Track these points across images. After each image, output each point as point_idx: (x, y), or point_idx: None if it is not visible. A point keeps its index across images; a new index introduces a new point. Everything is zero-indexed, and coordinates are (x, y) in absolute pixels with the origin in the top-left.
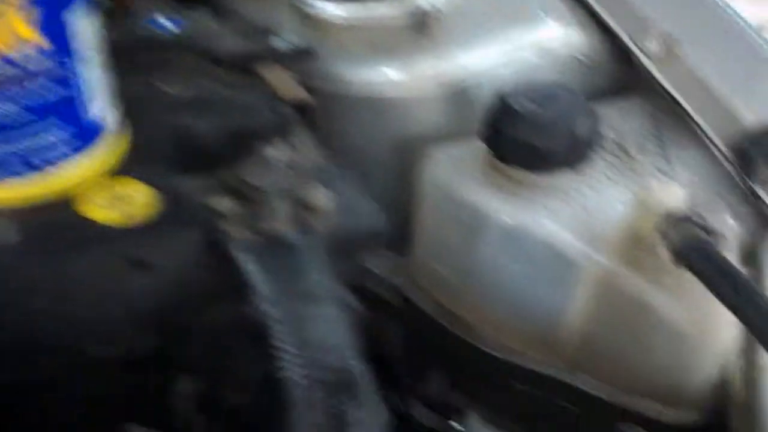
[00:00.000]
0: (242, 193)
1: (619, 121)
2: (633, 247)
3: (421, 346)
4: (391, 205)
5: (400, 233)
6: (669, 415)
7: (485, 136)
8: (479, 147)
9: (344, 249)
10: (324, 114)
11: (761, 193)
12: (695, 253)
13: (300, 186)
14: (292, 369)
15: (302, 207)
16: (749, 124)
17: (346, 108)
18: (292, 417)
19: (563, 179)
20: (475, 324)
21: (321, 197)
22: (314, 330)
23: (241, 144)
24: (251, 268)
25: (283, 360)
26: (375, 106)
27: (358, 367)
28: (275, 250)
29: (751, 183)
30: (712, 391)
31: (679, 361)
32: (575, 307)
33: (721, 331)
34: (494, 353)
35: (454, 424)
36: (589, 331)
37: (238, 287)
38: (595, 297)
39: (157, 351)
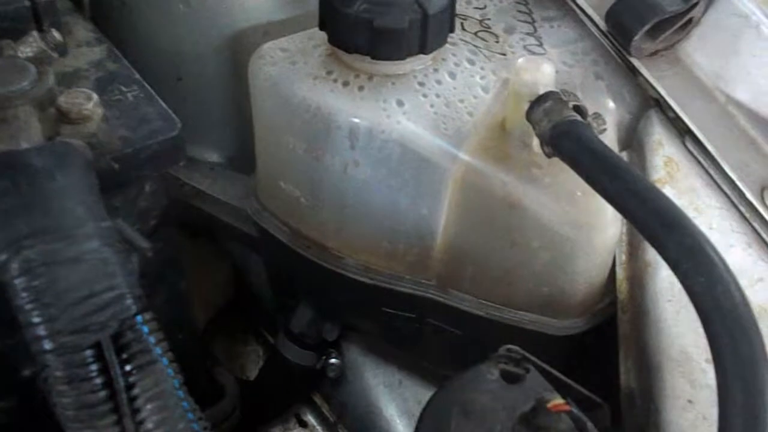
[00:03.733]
0: None
1: None
2: (501, 140)
3: (284, 277)
4: (227, 115)
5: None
6: (553, 326)
7: (321, 19)
8: (319, 37)
9: (128, 164)
10: (127, 9)
11: (640, 67)
12: (565, 136)
13: (58, 90)
14: (43, 333)
15: (58, 116)
16: None
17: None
18: (54, 393)
19: (417, 67)
20: (334, 248)
21: (85, 103)
22: (67, 277)
23: None
24: None
25: (29, 322)
26: None
27: (130, 315)
28: (9, 174)
29: (628, 55)
30: (598, 295)
31: (558, 265)
32: (442, 216)
33: (604, 229)
34: (359, 278)
35: (332, 360)
36: (460, 242)
37: None
38: (463, 202)
39: None
